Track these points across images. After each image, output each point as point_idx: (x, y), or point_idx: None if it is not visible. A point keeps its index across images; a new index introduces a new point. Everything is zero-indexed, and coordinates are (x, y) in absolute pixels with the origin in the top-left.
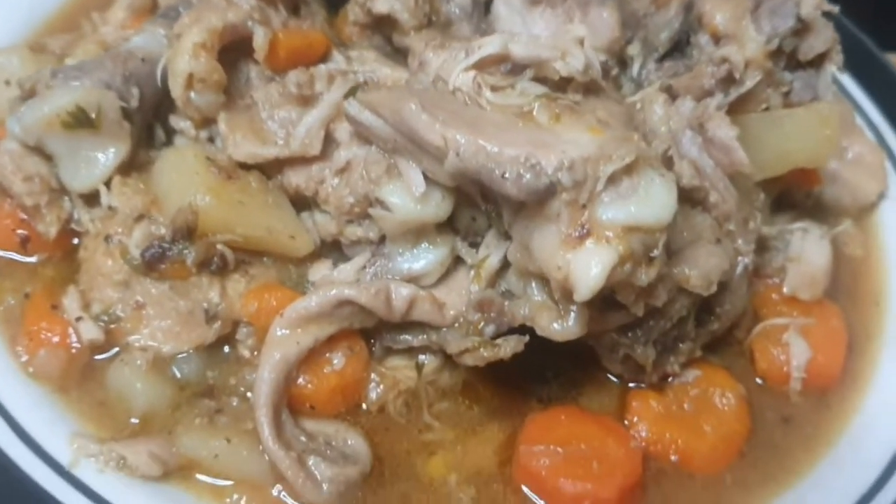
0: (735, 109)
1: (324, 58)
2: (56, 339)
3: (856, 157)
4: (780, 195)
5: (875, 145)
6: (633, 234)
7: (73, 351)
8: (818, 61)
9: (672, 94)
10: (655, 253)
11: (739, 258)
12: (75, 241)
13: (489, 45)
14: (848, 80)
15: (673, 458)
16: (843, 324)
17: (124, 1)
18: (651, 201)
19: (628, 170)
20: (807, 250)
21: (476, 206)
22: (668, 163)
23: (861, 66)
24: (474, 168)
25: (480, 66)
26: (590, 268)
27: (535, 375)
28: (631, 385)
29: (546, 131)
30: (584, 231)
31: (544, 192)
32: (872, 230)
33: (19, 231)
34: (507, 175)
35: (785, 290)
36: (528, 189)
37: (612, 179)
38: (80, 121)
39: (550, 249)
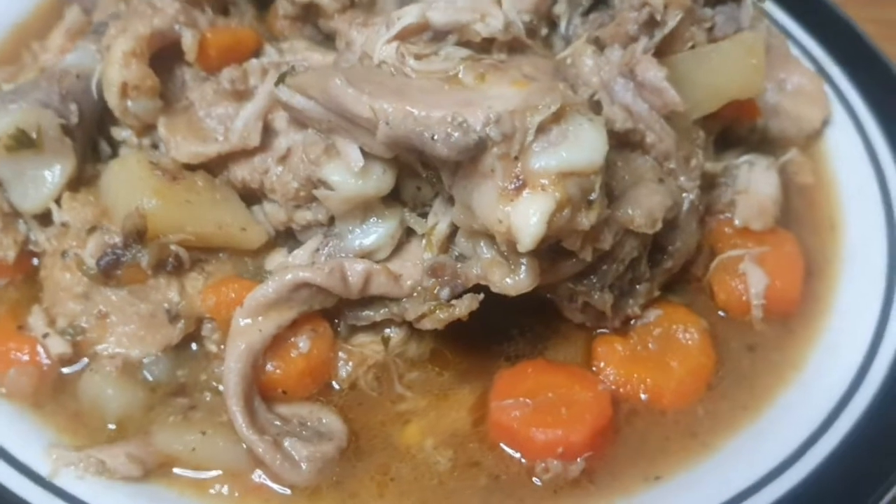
0: (662, 51)
1: (256, 53)
2: (25, 357)
3: (795, 87)
4: (724, 132)
5: (813, 73)
6: (568, 179)
7: (44, 367)
8: None
9: (600, 45)
10: (594, 196)
11: (684, 195)
12: (35, 261)
13: (408, 16)
14: (779, 13)
15: (643, 396)
16: (799, 249)
17: (62, 26)
18: (582, 145)
19: (556, 118)
20: (754, 181)
21: (419, 176)
22: (596, 107)
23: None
24: (404, 134)
25: (402, 36)
26: (529, 217)
27: (501, 335)
28: (595, 332)
29: (472, 91)
30: (520, 182)
31: (474, 148)
32: (821, 157)
33: None
34: (436, 136)
35: (736, 222)
36: (458, 147)
37: (541, 129)
38: (22, 142)
39: (489, 205)
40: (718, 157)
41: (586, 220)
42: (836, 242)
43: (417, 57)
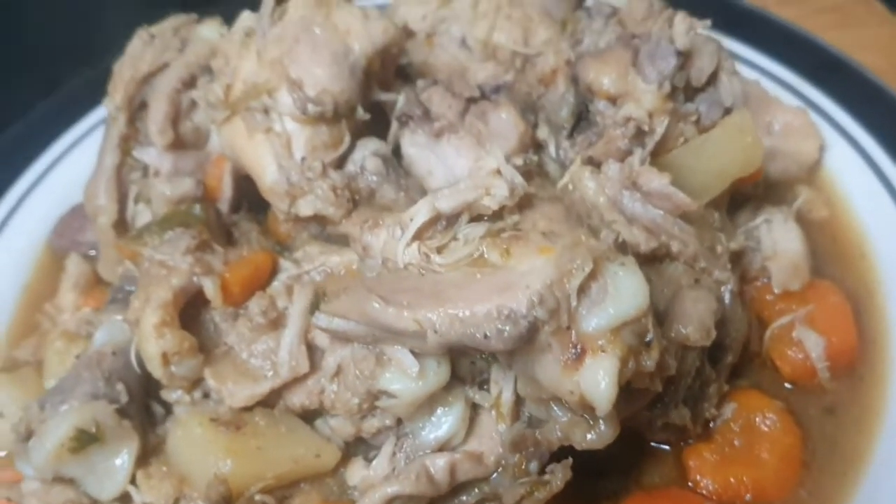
0: (657, 153)
1: (274, 272)
2: None
3: (783, 126)
4: (732, 197)
5: (796, 108)
6: (622, 331)
7: None
8: (712, 79)
9: (595, 164)
10: (650, 337)
11: (723, 288)
12: None
13: (419, 214)
14: (748, 51)
15: (747, 497)
16: (841, 295)
17: (68, 282)
18: (623, 295)
19: (591, 275)
20: (778, 241)
21: (470, 354)
22: (622, 248)
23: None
24: (455, 339)
25: (419, 235)
26: (598, 382)
27: (595, 473)
28: (682, 444)
29: (503, 270)
30: (578, 350)
31: (528, 333)
32: (827, 184)
33: None
34: (487, 335)
35: (775, 289)
36: (513, 339)
37: (581, 290)
38: (84, 441)
39: (555, 377)
40: (732, 220)
41: (650, 360)
42: (872, 271)
43: (440, 251)
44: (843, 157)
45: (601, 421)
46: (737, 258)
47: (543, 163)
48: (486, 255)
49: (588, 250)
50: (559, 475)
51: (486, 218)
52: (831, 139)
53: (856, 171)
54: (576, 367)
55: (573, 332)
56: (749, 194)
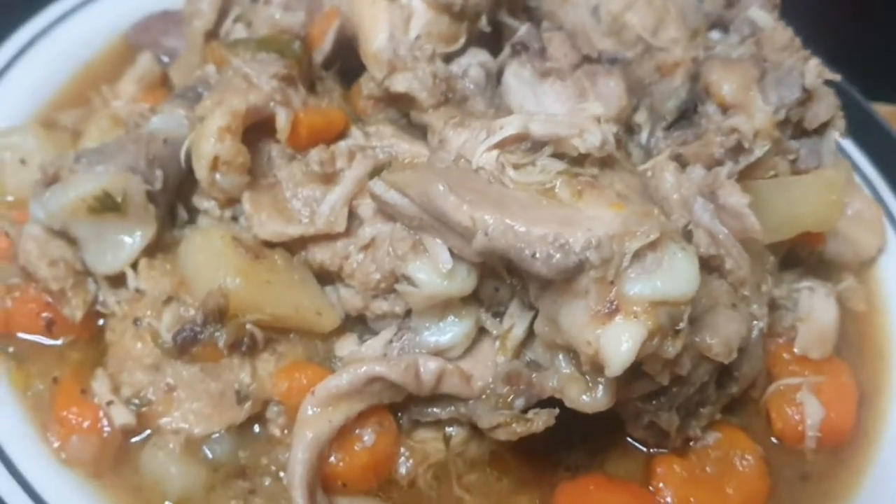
0: (744, 176)
1: (343, 134)
2: (87, 423)
3: (855, 213)
4: (785, 254)
5: (873, 201)
6: (659, 308)
7: (105, 436)
8: (822, 128)
9: (682, 163)
10: (681, 326)
11: (755, 322)
12: (100, 322)
13: (510, 126)
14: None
15: None
16: (853, 380)
17: (134, 74)
18: (676, 275)
19: (652, 245)
20: (815, 309)
21: (500, 278)
22: (687, 236)
23: (853, 120)
24: (503, 247)
25: (502, 145)
26: (620, 343)
27: (562, 442)
28: (652, 450)
29: (570, 208)
30: (613, 307)
31: (573, 270)
32: (874, 285)
33: (44, 314)
34: (537, 255)
35: (796, 350)
36: (558, 268)
37: (637, 255)
38: (106, 206)
39: (580, 325)
40: (778, 278)
41: (672, 348)
42: (887, 373)
43: (516, 167)
44: None
45: (600, 384)
46: (771, 306)
47: (629, 149)
48: (557, 190)
49: (658, 223)
50: (542, 417)
51: (567, 160)
52: (893, 245)
53: None
54: (603, 322)
55: (615, 289)
56: (801, 259)
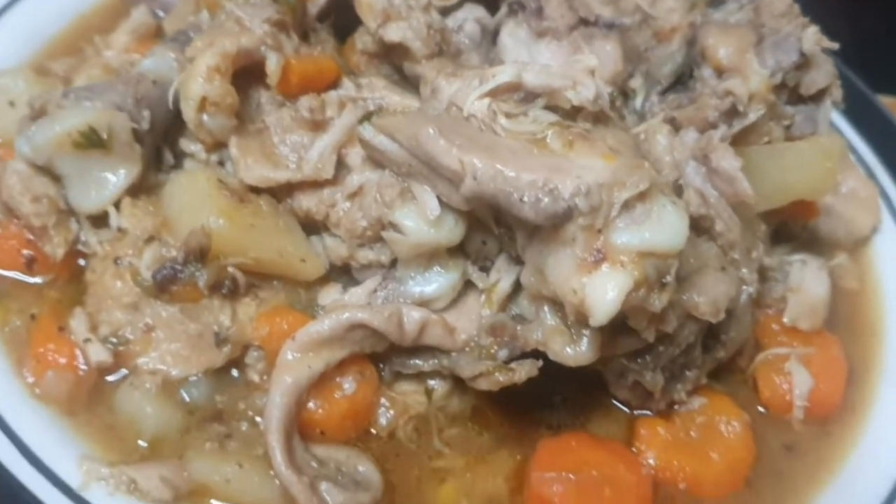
0: (737, 141)
1: (334, 84)
2: (63, 360)
3: (850, 191)
4: (777, 228)
5: (867, 180)
6: (647, 259)
7: (81, 373)
8: (819, 96)
9: (675, 126)
10: (668, 279)
11: (744, 287)
12: (81, 262)
13: (504, 74)
14: (838, 118)
15: (681, 485)
16: (843, 353)
17: (127, 25)
18: (664, 227)
19: (642, 196)
20: (806, 281)
21: (487, 231)
22: (678, 191)
23: (851, 103)
24: (492, 192)
25: (494, 93)
26: (606, 292)
27: (544, 401)
28: (637, 412)
29: (561, 157)
30: (600, 256)
31: (562, 216)
32: (867, 263)
33: (25, 252)
34: (525, 199)
35: (785, 319)
36: (546, 213)
37: (627, 205)
38: (92, 141)
39: (566, 273)
40: (770, 251)
41: (658, 301)
42: (877, 350)
43: (508, 115)
44: (891, 243)
45: (584, 337)
46: (761, 277)
47: (623, 114)
48: (548, 140)
49: (648, 174)
50: (525, 368)
51: (560, 114)
52: (888, 227)
53: None
54: (589, 270)
55: (602, 237)
56: (793, 235)
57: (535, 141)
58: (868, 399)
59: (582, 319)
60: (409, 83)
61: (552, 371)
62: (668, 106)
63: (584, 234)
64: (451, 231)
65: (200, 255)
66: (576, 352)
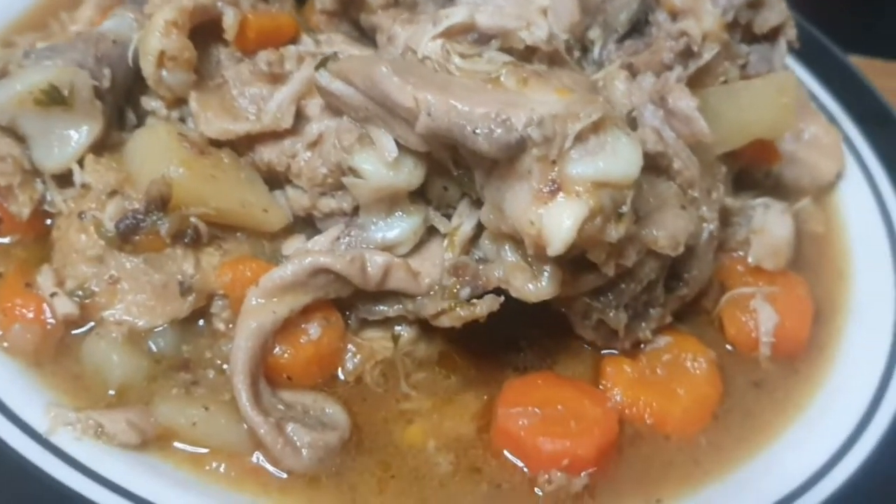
0: (693, 83)
1: (293, 40)
2: (30, 314)
3: (812, 137)
4: (740, 175)
5: (831, 126)
6: (602, 189)
7: (48, 326)
8: (772, 35)
9: (633, 72)
10: (624, 209)
11: (704, 224)
12: (48, 222)
13: (456, 15)
14: (797, 66)
15: (648, 421)
16: (808, 293)
17: (93, 1)
18: (618, 157)
19: (595, 128)
20: (769, 222)
21: (448, 176)
22: (632, 124)
23: (809, 51)
24: (446, 126)
25: (448, 34)
26: (562, 221)
27: (510, 345)
28: (604, 352)
29: (514, 93)
30: (555, 186)
31: (515, 147)
32: (832, 209)
33: None
34: (478, 131)
35: (749, 259)
36: (500, 143)
37: (580, 137)
38: (54, 98)
39: (523, 206)
40: (734, 197)
41: (615, 232)
42: (844, 292)
43: (462, 56)
44: (856, 188)
45: (545, 272)
46: (724, 220)
47: (583, 65)
48: (502, 79)
49: (602, 107)
50: (486, 303)
51: (515, 56)
52: (852, 172)
53: (863, 204)
54: (545, 201)
55: (557, 168)
56: (756, 182)
57: (489, 79)
58: (836, 338)
59: (541, 253)
60: (369, 39)
61: (518, 315)
62: (624, 52)
63: (538, 166)
64: (411, 173)
65: (162, 203)
66: (537, 287)
